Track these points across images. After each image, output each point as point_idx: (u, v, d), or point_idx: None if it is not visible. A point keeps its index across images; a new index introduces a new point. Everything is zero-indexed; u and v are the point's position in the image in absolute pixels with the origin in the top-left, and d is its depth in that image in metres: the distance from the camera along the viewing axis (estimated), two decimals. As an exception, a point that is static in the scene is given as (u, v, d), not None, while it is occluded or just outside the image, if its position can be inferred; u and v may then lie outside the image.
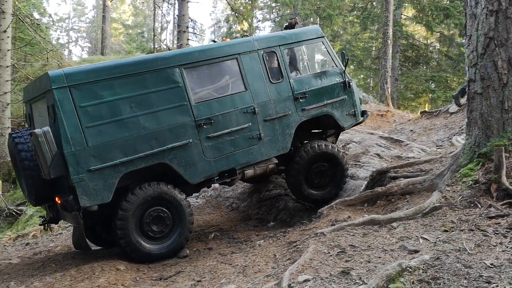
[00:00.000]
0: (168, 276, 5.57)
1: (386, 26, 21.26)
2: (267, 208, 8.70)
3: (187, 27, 15.21)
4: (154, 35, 20.78)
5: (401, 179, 6.70)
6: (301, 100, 7.28)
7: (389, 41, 21.32)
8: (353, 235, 5.12)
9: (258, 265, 5.19)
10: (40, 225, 6.96)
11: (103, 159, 5.79)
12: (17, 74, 15.65)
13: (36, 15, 20.51)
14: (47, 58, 15.89)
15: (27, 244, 8.76)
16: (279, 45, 7.29)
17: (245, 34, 20.93)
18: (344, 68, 7.78)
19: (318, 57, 7.95)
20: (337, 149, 7.67)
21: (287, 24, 8.33)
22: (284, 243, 5.92)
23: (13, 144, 6.13)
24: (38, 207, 8.90)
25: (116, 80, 5.99)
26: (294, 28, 8.52)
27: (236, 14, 23.28)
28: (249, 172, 6.99)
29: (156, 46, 20.22)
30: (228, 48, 6.94)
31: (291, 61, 7.59)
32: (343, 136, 10.62)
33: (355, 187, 7.88)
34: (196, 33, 17.44)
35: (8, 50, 13.45)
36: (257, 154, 6.91)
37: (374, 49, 32.83)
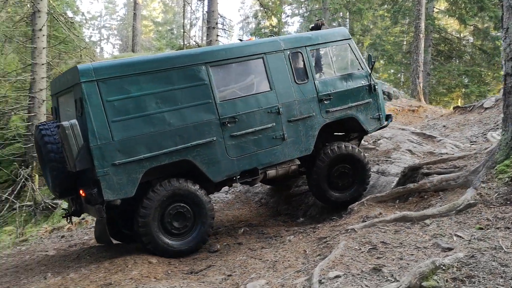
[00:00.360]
0: (199, 270, 5.63)
1: (418, 19, 20.83)
2: (297, 203, 8.69)
3: (216, 23, 15.25)
4: (183, 32, 20.94)
5: (434, 175, 6.59)
6: (325, 102, 7.23)
7: (421, 35, 20.89)
8: (384, 232, 5.07)
9: (288, 261, 5.20)
10: (63, 217, 7.06)
11: (128, 154, 5.84)
12: (52, 72, 16.03)
13: (69, 13, 20.94)
14: (81, 56, 16.22)
15: (63, 236, 9.01)
16: (305, 46, 7.26)
17: (271, 34, 20.75)
18: (370, 71, 7.71)
19: (344, 59, 7.87)
20: (357, 149, 7.55)
21: (313, 25, 8.29)
22: (314, 239, 5.91)
23: (39, 136, 6.19)
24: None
25: (143, 76, 6.04)
26: (320, 29, 8.47)
27: (265, 9, 23.24)
28: (271, 172, 6.96)
29: (185, 43, 20.37)
30: (254, 47, 6.95)
31: (316, 62, 7.55)
32: (373, 132, 10.50)
33: (386, 183, 7.79)
34: (225, 29, 17.45)
35: (44, 48, 13.78)
36: (280, 155, 6.88)
37: (405, 43, 32.23)
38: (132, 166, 5.88)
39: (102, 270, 5.67)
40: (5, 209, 12.61)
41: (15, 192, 13.36)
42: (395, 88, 22.78)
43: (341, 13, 31.88)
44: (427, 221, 5.12)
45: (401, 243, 4.68)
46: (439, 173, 6.61)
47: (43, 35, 13.70)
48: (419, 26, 20.79)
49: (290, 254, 5.45)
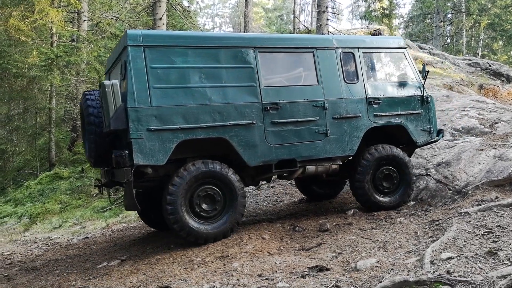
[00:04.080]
0: (310, 247, 5.85)
1: (546, -8, 18.98)
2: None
3: (327, 7, 15.19)
4: (294, 17, 21.11)
5: (560, 160, 6.19)
6: (374, 106, 7.14)
7: (549, 10, 19.01)
8: (501, 216, 4.94)
9: (399, 241, 5.26)
10: (95, 187, 7.49)
11: (164, 121, 5.86)
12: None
13: (185, 3, 22.08)
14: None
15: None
16: (358, 48, 7.30)
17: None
18: (423, 82, 7.58)
19: (398, 67, 7.74)
20: (401, 152, 7.36)
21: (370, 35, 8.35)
22: (425, 221, 5.89)
23: (84, 100, 6.53)
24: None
25: (191, 50, 6.21)
26: None
27: (375, -10, 22.57)
28: (310, 168, 6.84)
29: (296, 28, 20.51)
30: (306, 41, 7.08)
31: (368, 66, 7.46)
32: (490, 115, 9.97)
33: (504, 168, 7.41)
34: (335, 13, 17.30)
35: (164, 36, 14.76)
36: (321, 150, 6.79)
37: (528, 21, 29.53)
38: (167, 134, 5.89)
39: (219, 243, 6.13)
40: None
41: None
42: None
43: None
44: (550, 207, 4.89)
45: (519, 228, 4.55)
46: None
47: (163, 24, 14.65)
48: (547, 0, 18.92)
49: (400, 235, 5.51)
